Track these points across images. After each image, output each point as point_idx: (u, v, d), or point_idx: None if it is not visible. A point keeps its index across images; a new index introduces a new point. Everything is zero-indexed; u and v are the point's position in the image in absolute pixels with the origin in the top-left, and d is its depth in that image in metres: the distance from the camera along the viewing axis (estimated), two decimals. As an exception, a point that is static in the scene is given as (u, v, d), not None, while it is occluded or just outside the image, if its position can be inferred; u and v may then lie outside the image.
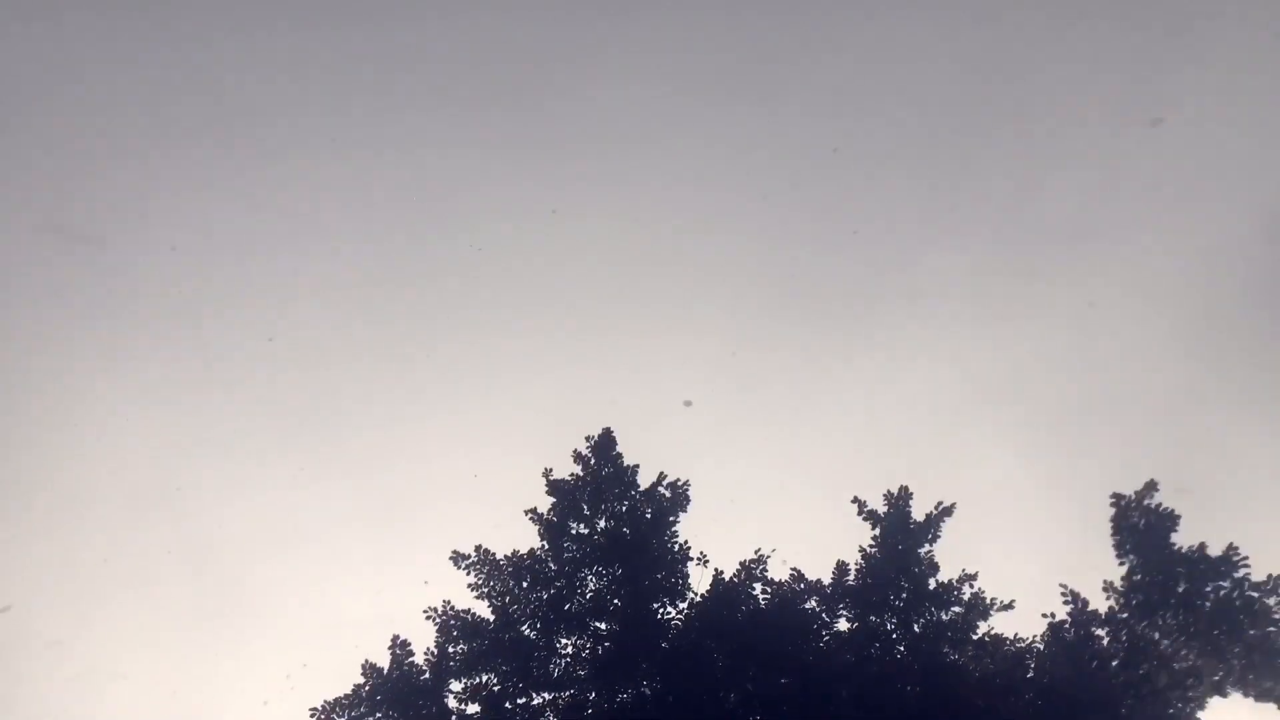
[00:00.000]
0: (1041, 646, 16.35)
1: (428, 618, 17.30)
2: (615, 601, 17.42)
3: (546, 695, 16.95)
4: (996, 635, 16.53)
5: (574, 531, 17.78)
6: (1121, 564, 15.90)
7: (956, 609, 16.72)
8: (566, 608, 17.26)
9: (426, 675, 17.06)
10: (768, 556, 17.51)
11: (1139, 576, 15.66)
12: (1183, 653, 15.46)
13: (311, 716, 17.07)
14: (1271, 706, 15.22)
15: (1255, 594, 14.94)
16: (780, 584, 17.32)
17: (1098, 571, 16.20)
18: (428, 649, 17.19)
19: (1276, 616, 14.94)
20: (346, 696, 17.09)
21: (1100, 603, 16.05)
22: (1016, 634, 16.52)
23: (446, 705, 16.96)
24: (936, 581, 16.94)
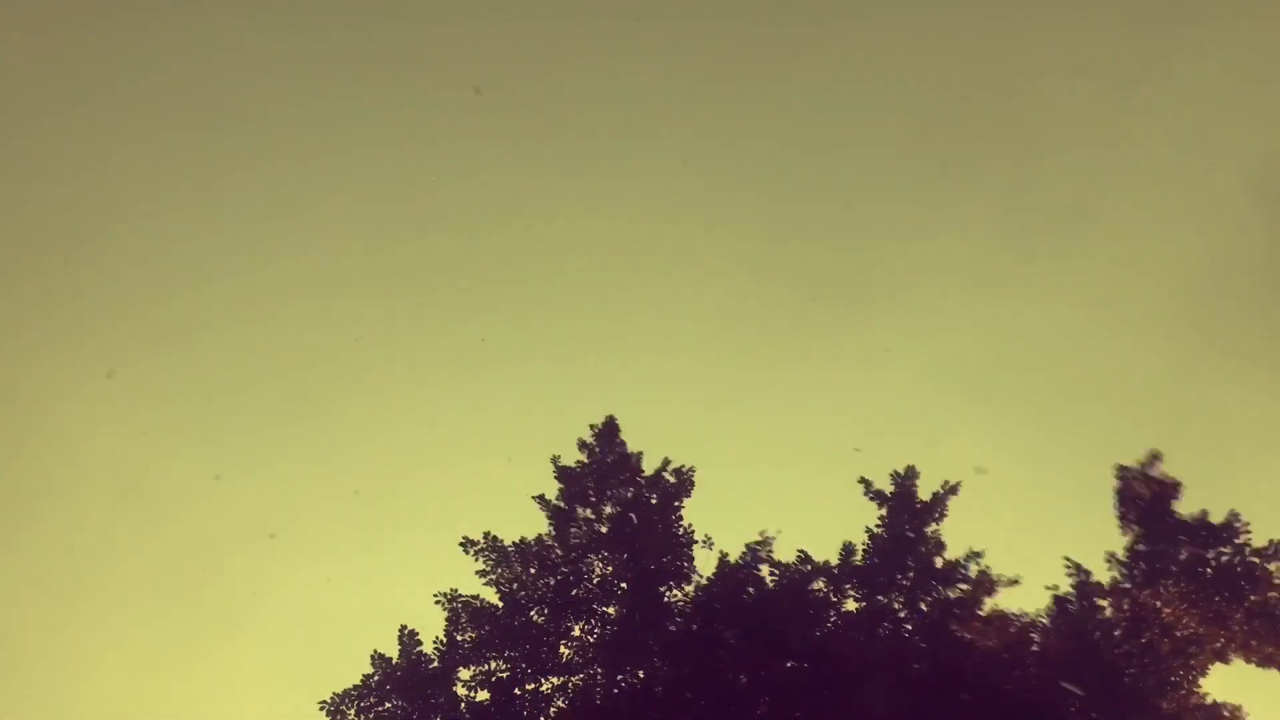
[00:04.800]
0: (1046, 620, 16.50)
1: (436, 602, 17.39)
2: (622, 586, 17.53)
3: (555, 680, 17.06)
4: (1002, 611, 16.69)
5: (581, 517, 17.87)
6: (1124, 534, 16.04)
7: (963, 586, 16.86)
8: (574, 593, 17.36)
9: (435, 663, 17.16)
10: (773, 538, 17.66)
11: (1142, 546, 15.80)
12: (1185, 620, 15.62)
13: (321, 709, 17.16)
14: (1273, 672, 15.40)
15: (1256, 560, 15.09)
16: (786, 565, 17.43)
17: (1101, 543, 16.36)
18: (436, 637, 17.29)
19: (1277, 582, 15.10)
20: (356, 687, 17.18)
21: (1104, 574, 16.21)
22: (1022, 608, 16.68)
23: (456, 693, 17.06)
24: (943, 559, 17.07)
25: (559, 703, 16.99)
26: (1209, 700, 15.64)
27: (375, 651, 17.26)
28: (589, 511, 17.96)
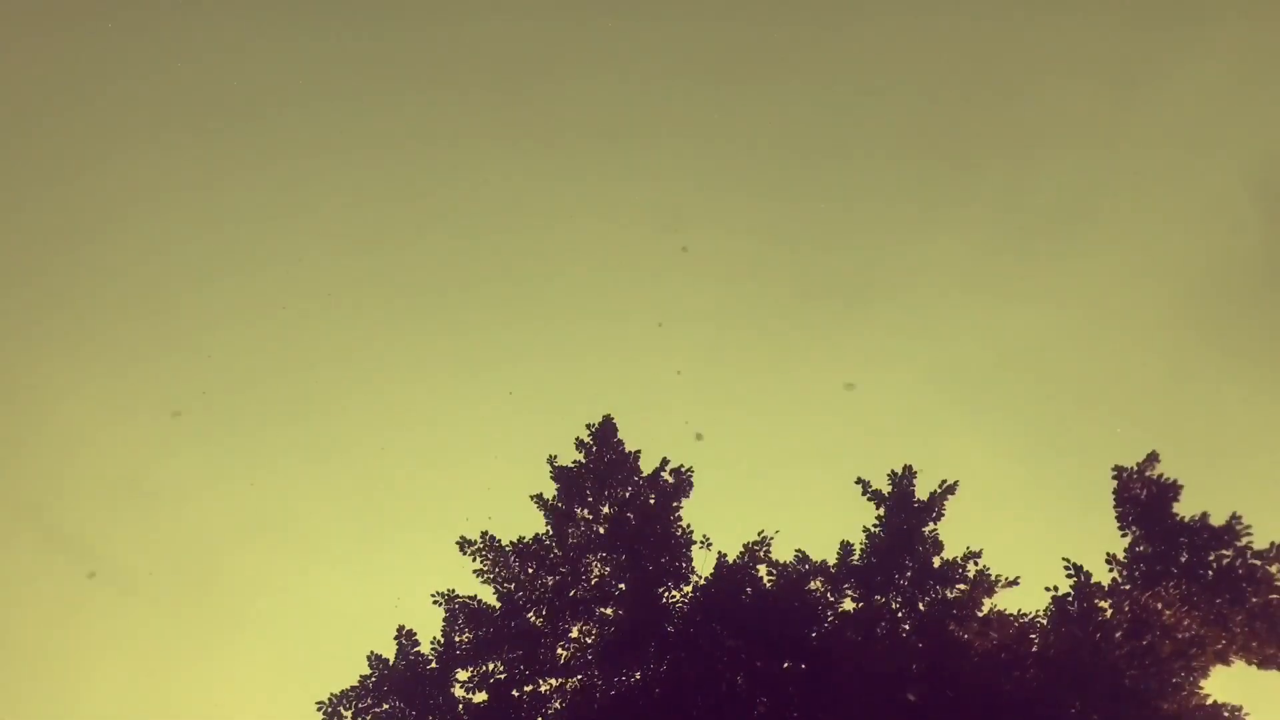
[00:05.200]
0: (1045, 621, 16.39)
1: (434, 602, 17.34)
2: (620, 586, 17.46)
3: (554, 681, 17.00)
4: (1001, 611, 16.59)
5: (579, 517, 17.81)
6: (1124, 536, 15.92)
7: (961, 586, 16.76)
8: (572, 594, 17.30)
9: (433, 665, 17.11)
10: (771, 538, 17.58)
11: (1141, 547, 15.69)
12: (1185, 622, 15.53)
13: (318, 710, 17.10)
14: (1275, 674, 15.31)
15: (1258, 562, 14.96)
16: (784, 565, 17.36)
17: (1101, 544, 16.26)
18: (434, 638, 17.24)
19: (1279, 584, 15.00)
20: (353, 689, 17.14)
21: (1103, 575, 16.11)
22: (1021, 609, 16.58)
23: (453, 694, 17.00)
24: (941, 559, 16.97)
25: (557, 704, 16.92)
26: (1210, 702, 15.54)
27: (372, 652, 17.23)
28: (587, 512, 17.90)
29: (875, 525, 17.25)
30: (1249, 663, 15.33)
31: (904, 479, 17.26)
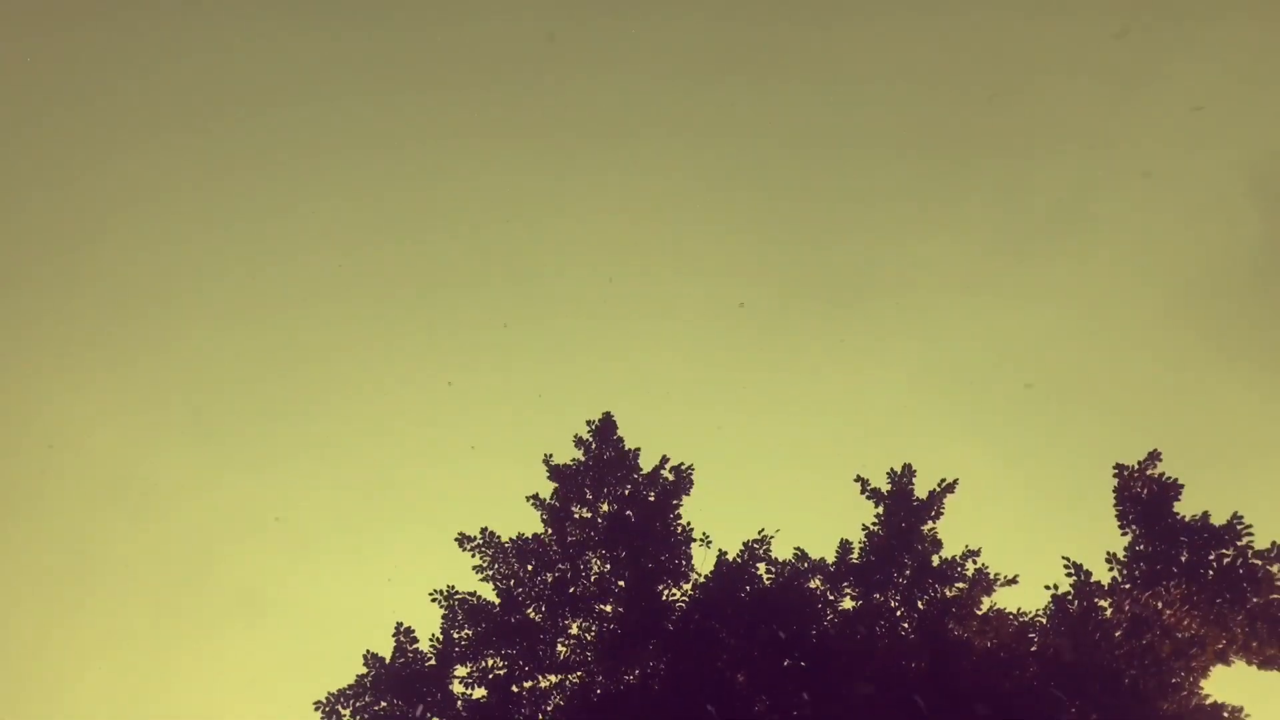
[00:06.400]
0: (1045, 620, 16.36)
1: (432, 599, 17.30)
2: (619, 584, 17.42)
3: (554, 678, 16.96)
4: (1000, 610, 16.55)
5: (577, 515, 17.78)
6: (1124, 534, 15.89)
7: (960, 585, 16.74)
8: (571, 590, 17.25)
9: (431, 661, 17.05)
10: (770, 537, 17.53)
11: (1142, 546, 15.65)
12: (1186, 622, 15.49)
13: (316, 709, 17.03)
14: (1275, 675, 15.28)
15: (1258, 562, 14.92)
16: (784, 564, 17.33)
17: (1100, 543, 16.24)
18: (432, 635, 17.20)
19: (1279, 584, 14.97)
20: (350, 687, 17.06)
21: (1103, 574, 16.08)
22: (1020, 608, 16.55)
23: (452, 690, 16.95)
24: (940, 558, 16.95)
25: (556, 700, 16.88)
26: (1210, 702, 15.51)
27: (368, 651, 17.15)
28: (585, 510, 17.87)
29: (874, 523, 17.22)
30: (1249, 663, 15.29)
31: (903, 477, 17.24)
